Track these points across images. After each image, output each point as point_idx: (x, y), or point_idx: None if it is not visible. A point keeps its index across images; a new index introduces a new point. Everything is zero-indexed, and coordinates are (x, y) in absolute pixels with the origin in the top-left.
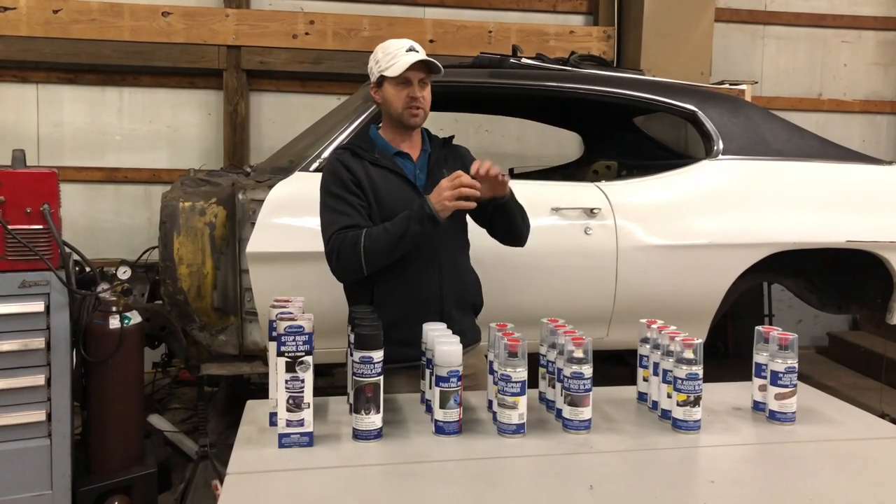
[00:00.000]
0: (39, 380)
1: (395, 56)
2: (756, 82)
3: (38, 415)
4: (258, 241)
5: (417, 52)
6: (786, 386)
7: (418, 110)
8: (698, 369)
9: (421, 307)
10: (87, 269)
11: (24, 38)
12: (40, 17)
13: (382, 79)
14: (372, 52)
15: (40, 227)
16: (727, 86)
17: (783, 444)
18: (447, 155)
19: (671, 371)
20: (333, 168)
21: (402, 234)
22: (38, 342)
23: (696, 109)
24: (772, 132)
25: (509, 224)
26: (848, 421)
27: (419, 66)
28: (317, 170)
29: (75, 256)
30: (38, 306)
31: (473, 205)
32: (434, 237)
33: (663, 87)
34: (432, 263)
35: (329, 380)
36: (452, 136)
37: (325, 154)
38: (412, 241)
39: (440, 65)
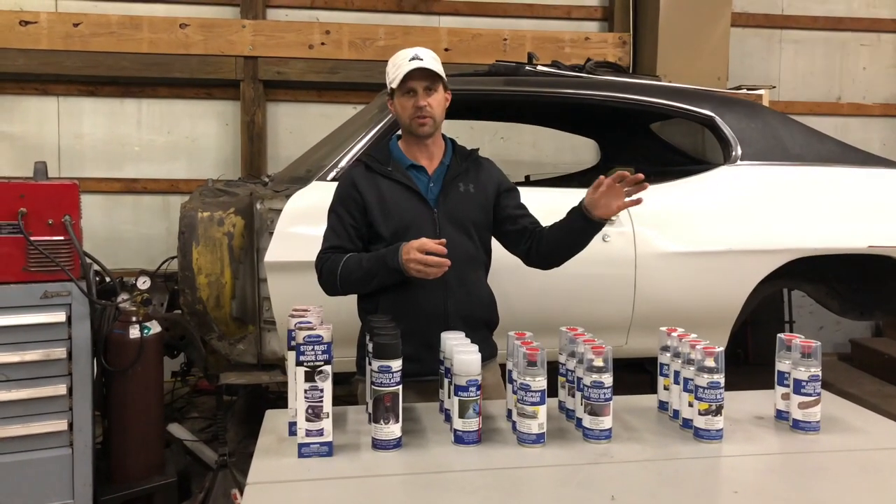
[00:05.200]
0: (61, 389)
1: (398, 67)
2: (774, 87)
3: (60, 424)
4: (276, 251)
5: (421, 59)
6: (809, 394)
7: (425, 119)
8: (720, 378)
9: (425, 323)
10: (108, 279)
11: (45, 52)
12: (61, 31)
13: (393, 91)
14: (387, 61)
15: (62, 238)
16: (744, 91)
17: (807, 453)
18: (469, 168)
19: (692, 380)
20: (343, 183)
21: (373, 275)
22: (60, 352)
23: (713, 115)
24: (790, 137)
25: (572, 248)
26: (872, 429)
27: (418, 74)
28: (334, 179)
29: (96, 267)
30: (59, 316)
31: (439, 273)
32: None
33: (680, 93)
34: (438, 280)
35: (347, 388)
36: (477, 149)
37: (343, 163)
38: (383, 282)
39: (436, 70)
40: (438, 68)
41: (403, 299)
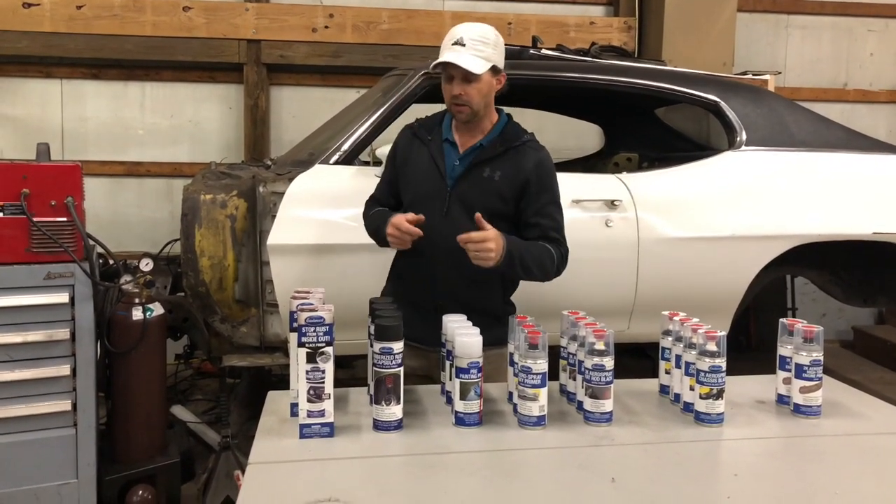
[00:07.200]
0: (65, 370)
1: (443, 47)
2: (780, 72)
3: (64, 405)
4: (279, 234)
5: (463, 46)
6: (811, 379)
7: (461, 107)
8: (721, 362)
9: (411, 287)
10: (111, 261)
11: (48, 34)
12: (64, 13)
13: None
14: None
15: (65, 219)
16: (750, 76)
17: (808, 437)
18: (505, 153)
19: (694, 364)
20: (395, 141)
21: (374, 233)
22: (63, 333)
23: (718, 100)
24: (796, 123)
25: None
26: (873, 415)
27: (450, 64)
28: (336, 162)
29: (99, 249)
30: (62, 297)
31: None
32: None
33: (685, 78)
34: (433, 255)
35: (349, 371)
36: (531, 135)
37: (345, 147)
38: (384, 243)
39: (469, 68)
40: (478, 59)
41: (404, 265)
